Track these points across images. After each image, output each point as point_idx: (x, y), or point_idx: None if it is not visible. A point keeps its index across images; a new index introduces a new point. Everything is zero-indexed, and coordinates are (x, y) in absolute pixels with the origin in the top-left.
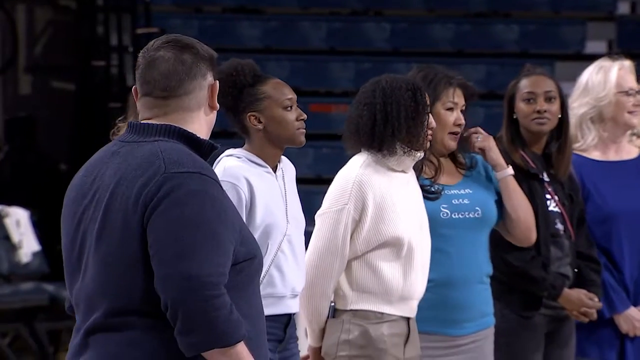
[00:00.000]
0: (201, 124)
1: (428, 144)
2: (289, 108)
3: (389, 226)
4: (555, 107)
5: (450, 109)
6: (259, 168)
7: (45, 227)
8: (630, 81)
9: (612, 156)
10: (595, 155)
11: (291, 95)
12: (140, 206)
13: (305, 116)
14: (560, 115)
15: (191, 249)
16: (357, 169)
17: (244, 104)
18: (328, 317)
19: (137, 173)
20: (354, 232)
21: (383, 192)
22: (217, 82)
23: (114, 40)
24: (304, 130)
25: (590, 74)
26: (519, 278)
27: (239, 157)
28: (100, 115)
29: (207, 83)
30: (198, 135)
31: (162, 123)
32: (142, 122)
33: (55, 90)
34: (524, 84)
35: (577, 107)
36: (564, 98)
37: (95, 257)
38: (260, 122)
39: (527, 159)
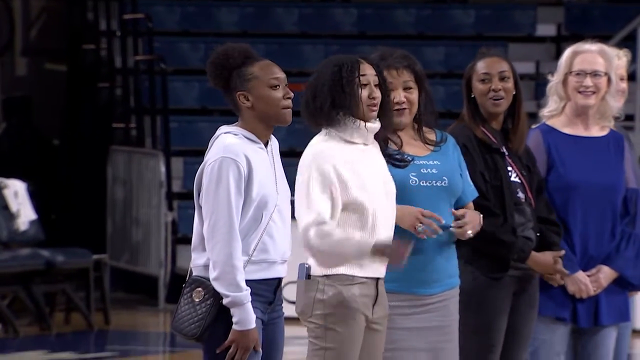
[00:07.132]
0: None
1: (374, 113)
2: (275, 87)
3: (353, 190)
4: (509, 85)
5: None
6: (253, 144)
7: (40, 198)
8: (586, 63)
9: (580, 132)
10: (566, 130)
11: (279, 74)
12: None
13: (292, 94)
14: (514, 93)
15: None
16: (314, 145)
17: (234, 84)
18: (301, 278)
19: None
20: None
21: (345, 162)
22: None
23: (103, 25)
24: (290, 109)
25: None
26: (490, 243)
27: (236, 134)
28: (90, 95)
29: None
30: None
31: None
32: None
33: (49, 72)
34: (480, 66)
35: (552, 80)
36: (517, 77)
37: None
38: (248, 100)
39: (488, 134)
